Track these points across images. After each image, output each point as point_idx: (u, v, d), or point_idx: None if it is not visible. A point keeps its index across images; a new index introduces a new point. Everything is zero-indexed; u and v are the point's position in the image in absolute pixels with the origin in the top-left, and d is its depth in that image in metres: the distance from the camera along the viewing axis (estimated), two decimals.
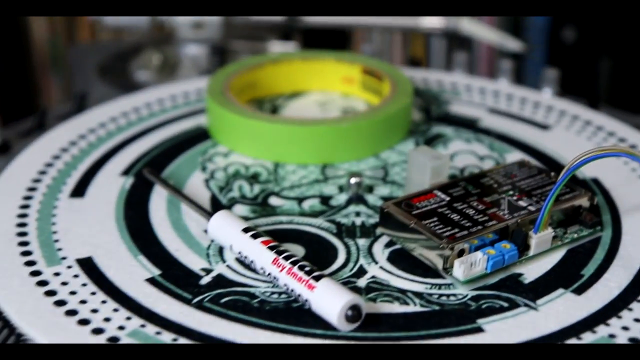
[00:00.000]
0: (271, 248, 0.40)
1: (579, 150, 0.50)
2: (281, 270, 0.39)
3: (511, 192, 0.43)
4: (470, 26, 0.67)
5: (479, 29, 0.67)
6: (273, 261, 0.39)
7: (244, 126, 0.49)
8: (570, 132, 0.53)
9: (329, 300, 0.37)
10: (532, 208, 0.42)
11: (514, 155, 0.50)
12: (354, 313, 0.36)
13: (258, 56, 0.57)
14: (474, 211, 0.42)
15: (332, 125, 0.49)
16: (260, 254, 0.40)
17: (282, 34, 0.68)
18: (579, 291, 0.39)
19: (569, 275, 0.40)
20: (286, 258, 0.39)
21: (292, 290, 0.38)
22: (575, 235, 0.43)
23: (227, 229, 0.41)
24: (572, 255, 0.42)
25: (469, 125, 0.54)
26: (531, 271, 0.41)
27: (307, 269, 0.38)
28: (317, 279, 0.37)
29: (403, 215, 0.41)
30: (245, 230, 0.41)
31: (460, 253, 0.40)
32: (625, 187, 0.47)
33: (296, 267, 0.38)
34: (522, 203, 0.42)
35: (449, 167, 0.46)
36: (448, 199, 0.43)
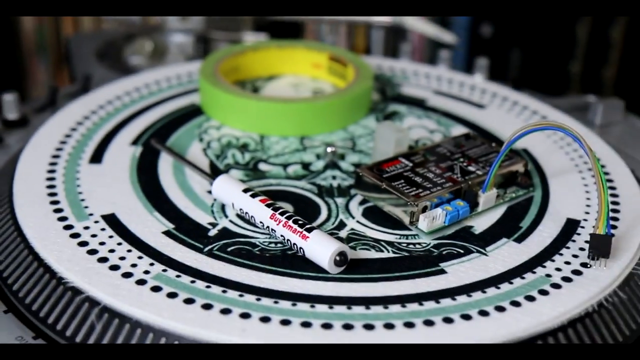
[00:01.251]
0: (268, 205, 0.41)
1: (511, 125, 0.52)
2: (278, 224, 0.40)
3: (462, 159, 0.45)
4: (412, 21, 0.68)
5: (420, 24, 0.68)
6: (271, 216, 0.40)
7: (234, 103, 0.50)
8: (502, 110, 0.55)
9: (320, 248, 0.38)
10: (479, 172, 0.44)
11: (458, 129, 0.52)
12: (341, 258, 0.38)
13: (240, 44, 0.57)
14: (432, 175, 0.43)
15: (308, 102, 0.50)
16: (259, 210, 0.41)
17: (254, 26, 0.68)
18: (519, 240, 0.41)
19: (510, 227, 0.42)
20: (282, 213, 0.40)
21: (288, 241, 0.39)
22: (513, 195, 0.44)
23: (229, 189, 0.42)
24: (511, 211, 0.44)
25: (418, 104, 0.55)
26: (480, 224, 0.42)
27: (300, 222, 0.39)
28: (309, 230, 0.39)
29: (375, 178, 0.43)
30: (245, 190, 0.42)
31: (424, 209, 0.41)
32: (549, 155, 0.49)
33: (291, 220, 0.39)
34: (471, 168, 0.44)
35: (409, 139, 0.48)
36: (411, 164, 0.44)
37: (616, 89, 0.94)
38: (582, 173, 0.47)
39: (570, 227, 0.42)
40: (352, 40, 0.96)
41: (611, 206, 0.44)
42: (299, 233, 0.39)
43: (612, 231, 0.41)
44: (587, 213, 0.43)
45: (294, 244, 0.39)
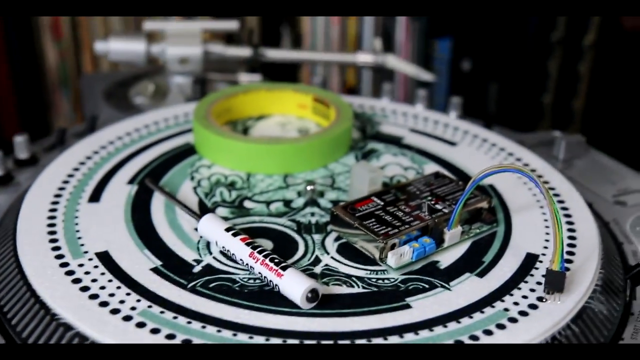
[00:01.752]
0: (248, 244, 0.40)
1: (480, 162, 0.52)
2: (256, 262, 0.39)
3: (430, 198, 0.44)
4: (393, 61, 0.68)
5: (400, 64, 0.68)
6: (250, 254, 0.40)
7: (223, 144, 0.50)
8: (472, 147, 0.54)
9: (293, 285, 0.37)
10: (446, 210, 0.43)
11: (430, 167, 0.51)
12: (313, 295, 0.37)
13: (232, 87, 0.57)
14: (402, 213, 0.43)
15: (291, 143, 0.50)
16: (239, 248, 0.40)
17: (249, 67, 0.68)
18: (481, 274, 0.41)
19: (473, 262, 0.42)
20: (260, 252, 0.39)
21: (265, 277, 0.39)
22: (478, 231, 0.44)
23: (213, 228, 0.42)
24: (475, 246, 0.43)
25: (395, 142, 0.55)
26: (446, 258, 0.42)
27: (276, 260, 0.39)
28: (284, 268, 0.38)
29: (348, 217, 0.42)
30: (227, 229, 0.41)
31: (392, 246, 0.41)
32: (513, 190, 0.48)
33: (267, 259, 0.39)
34: (438, 206, 0.43)
35: (382, 177, 0.47)
36: (382, 203, 0.43)
37: (584, 119, 0.93)
38: (544, 209, 0.47)
39: (530, 261, 0.42)
40: (344, 77, 0.96)
41: (568, 240, 0.43)
42: (274, 271, 0.38)
43: (568, 265, 0.41)
44: (546, 247, 0.43)
45: (270, 280, 0.38)
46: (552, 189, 0.49)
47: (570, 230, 0.44)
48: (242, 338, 0.35)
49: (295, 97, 0.57)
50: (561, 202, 0.47)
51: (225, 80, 0.67)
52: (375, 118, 0.58)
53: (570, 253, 0.42)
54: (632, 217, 0.49)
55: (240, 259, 0.40)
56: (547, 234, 0.44)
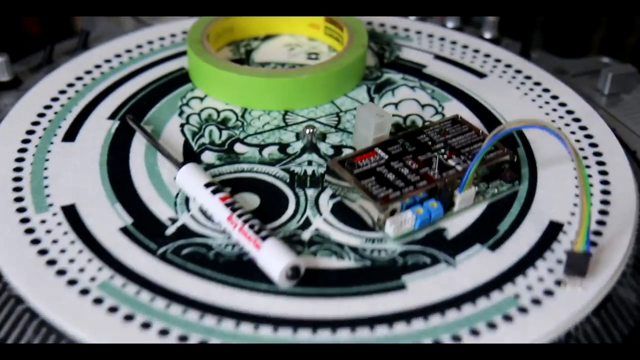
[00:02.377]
0: (227, 205, 0.35)
1: (510, 99, 0.45)
2: (234, 228, 0.34)
3: (442, 150, 0.38)
4: None
5: None
6: (228, 218, 0.35)
7: (217, 75, 0.44)
8: (503, 80, 0.47)
9: (272, 260, 0.33)
10: (459, 168, 0.37)
11: (452, 105, 0.45)
12: (293, 272, 0.33)
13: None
14: (408, 170, 0.37)
15: (292, 76, 0.43)
16: (217, 209, 0.35)
17: None
18: (494, 247, 0.35)
19: (486, 230, 0.36)
20: (239, 215, 0.34)
21: (242, 246, 0.34)
22: (496, 191, 0.38)
23: (192, 182, 0.37)
24: (491, 209, 0.37)
25: (416, 71, 0.48)
26: (454, 225, 0.36)
27: (256, 227, 0.34)
28: (264, 238, 0.33)
29: (346, 172, 0.37)
30: (207, 185, 0.36)
31: (392, 212, 0.35)
32: (544, 139, 0.42)
33: (247, 225, 0.34)
34: (451, 162, 0.37)
35: (391, 124, 0.41)
36: (386, 157, 0.38)
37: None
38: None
39: (552, 231, 0.36)
40: None
41: (599, 206, 0.37)
42: (252, 241, 0.33)
43: (595, 239, 0.35)
44: (573, 214, 0.37)
45: (248, 251, 0.34)
46: (590, 136, 0.42)
47: (604, 192, 0.38)
48: (209, 323, 0.31)
49: (305, 17, 0.50)
50: (598, 154, 0.41)
51: None
52: (397, 40, 0.51)
53: (601, 223, 0.36)
54: None
55: (218, 222, 0.35)
56: (577, 196, 0.38)
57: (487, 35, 0.55)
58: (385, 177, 0.36)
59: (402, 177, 0.36)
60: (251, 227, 0.34)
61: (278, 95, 0.43)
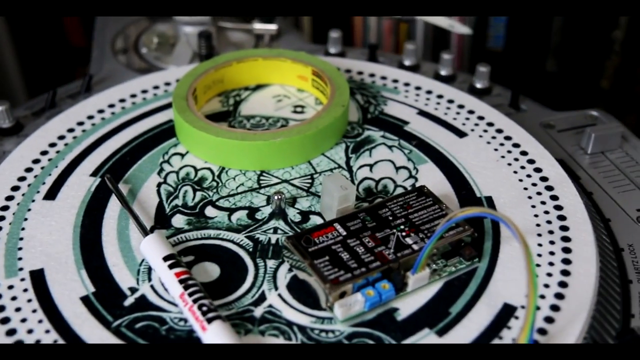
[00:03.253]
0: (181, 281, 0.35)
1: (484, 163, 0.44)
2: (185, 305, 0.34)
3: (402, 227, 0.37)
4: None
5: (434, 17, 0.58)
6: (180, 295, 0.34)
7: (195, 135, 0.43)
8: (483, 140, 0.46)
9: (215, 342, 0.32)
10: (415, 247, 0.36)
11: (427, 167, 0.44)
12: None
13: (224, 55, 0.50)
14: (363, 249, 0.36)
15: (266, 139, 0.43)
16: (172, 285, 0.35)
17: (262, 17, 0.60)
18: (442, 332, 0.34)
19: (437, 312, 0.35)
20: (190, 294, 0.34)
21: (191, 325, 0.34)
22: (454, 269, 0.37)
23: (152, 253, 0.37)
24: (447, 288, 0.36)
25: (397, 128, 0.47)
26: (407, 305, 0.35)
27: (204, 308, 0.33)
28: (210, 320, 0.33)
29: (298, 252, 0.36)
30: (165, 258, 0.36)
31: (342, 294, 0.34)
32: (515, 209, 0.41)
33: (196, 305, 0.34)
34: (409, 240, 0.36)
35: (355, 195, 0.40)
36: (345, 233, 0.37)
37: None
38: (542, 237, 0.39)
39: (505, 316, 0.35)
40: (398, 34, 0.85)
41: (557, 288, 0.36)
42: (199, 322, 0.33)
43: (547, 328, 0.34)
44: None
45: (195, 330, 0.33)
46: (560, 207, 0.40)
47: (563, 273, 0.37)
48: None
49: (294, 68, 0.50)
50: (565, 228, 0.39)
51: (239, 28, 0.59)
52: (385, 92, 0.50)
53: (555, 308, 0.35)
54: None
55: (173, 296, 0.35)
56: (537, 276, 0.37)
57: (479, 84, 0.54)
58: (339, 257, 0.35)
59: (357, 256, 0.35)
60: (200, 307, 0.33)
61: (253, 157, 0.43)
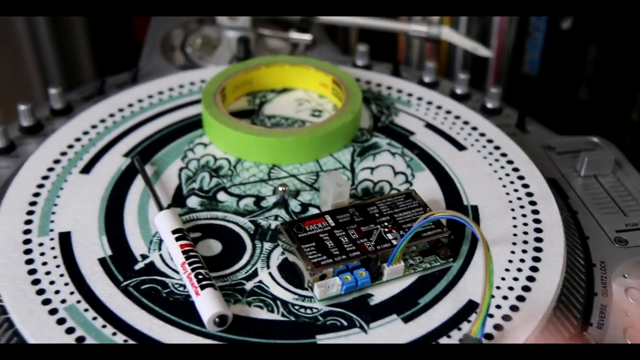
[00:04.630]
0: (184, 252, 0.39)
1: (478, 175, 0.47)
2: (184, 273, 0.38)
3: (386, 224, 0.41)
4: (449, 33, 0.61)
5: (456, 36, 0.62)
6: (181, 264, 0.39)
7: (217, 127, 0.48)
8: (480, 155, 0.49)
9: (205, 306, 0.37)
10: (394, 242, 0.40)
11: (423, 174, 0.47)
12: (220, 320, 0.36)
13: (255, 59, 0.54)
14: (347, 240, 0.40)
15: (278, 137, 0.47)
16: (176, 254, 0.40)
17: (300, 26, 0.64)
18: (407, 319, 0.37)
19: (407, 302, 0.38)
20: (190, 264, 0.38)
21: (188, 290, 0.38)
22: (429, 265, 0.40)
23: (164, 227, 0.41)
24: (420, 282, 0.40)
25: (403, 138, 0.51)
26: (381, 293, 0.39)
27: (200, 276, 0.38)
28: (203, 287, 0.37)
29: (289, 237, 0.40)
30: (174, 231, 0.41)
31: (323, 277, 0.38)
32: (497, 219, 0.44)
33: (193, 273, 0.38)
34: (389, 236, 0.40)
35: (349, 193, 0.44)
36: (333, 224, 0.41)
37: None
38: (516, 245, 0.42)
39: (467, 310, 0.38)
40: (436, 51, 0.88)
41: (520, 292, 0.39)
42: (194, 288, 0.37)
43: (502, 323, 0.37)
44: (493, 297, 0.39)
45: (191, 295, 0.38)
46: (539, 221, 0.43)
47: (529, 279, 0.40)
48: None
49: (316, 75, 0.54)
50: (539, 239, 0.42)
51: (276, 36, 0.64)
52: (398, 104, 0.54)
53: (514, 308, 0.38)
54: (624, 262, 0.43)
55: (176, 264, 0.40)
56: (503, 279, 0.40)
57: (490, 105, 0.57)
58: (325, 244, 0.39)
59: (340, 245, 0.39)
60: (196, 275, 0.38)
61: (266, 152, 0.47)
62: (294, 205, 0.45)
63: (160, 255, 0.41)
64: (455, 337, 0.36)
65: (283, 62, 0.54)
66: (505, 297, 0.39)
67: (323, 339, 0.36)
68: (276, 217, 0.44)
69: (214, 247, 0.41)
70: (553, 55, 0.86)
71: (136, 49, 1.11)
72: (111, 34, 1.18)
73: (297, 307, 0.38)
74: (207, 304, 0.36)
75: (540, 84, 0.88)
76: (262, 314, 0.38)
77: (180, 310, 0.37)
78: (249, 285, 0.39)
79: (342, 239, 0.40)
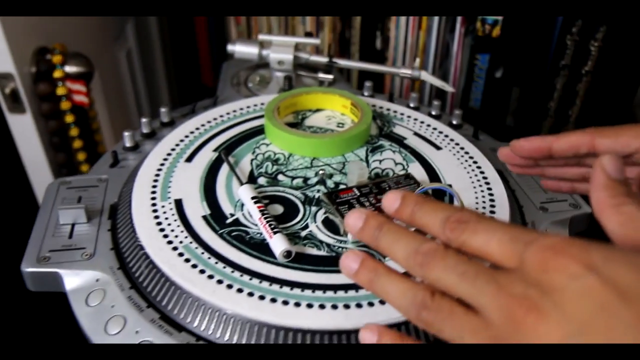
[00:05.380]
0: (260, 211, 0.41)
1: (450, 165, 0.49)
2: (261, 224, 0.40)
3: None
4: (426, 75, 0.63)
5: (430, 77, 0.63)
6: (259, 218, 0.40)
7: (276, 132, 0.50)
8: (451, 153, 0.51)
9: (277, 245, 0.38)
10: None
11: (414, 165, 0.49)
12: (287, 254, 0.38)
13: (299, 89, 0.56)
14: (368, 204, 0.41)
15: (317, 138, 0.49)
16: (254, 212, 0.41)
17: (326, 69, 0.66)
18: None
19: None
20: (265, 218, 0.40)
21: (264, 235, 0.40)
22: None
23: (244, 195, 0.43)
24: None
25: (399, 141, 0.52)
26: None
27: (272, 226, 0.39)
28: (275, 232, 0.39)
29: (329, 202, 0.42)
30: (252, 198, 0.42)
31: None
32: (464, 192, 0.45)
33: (267, 224, 0.40)
34: None
35: (368, 173, 0.45)
36: (358, 194, 0.42)
37: (577, 123, 0.84)
38: (477, 210, 0.43)
39: None
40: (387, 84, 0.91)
41: None
42: (268, 233, 0.39)
43: None
44: None
45: (266, 239, 0.39)
46: (492, 194, 0.45)
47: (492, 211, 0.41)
48: (236, 276, 0.37)
49: (340, 100, 0.56)
50: (493, 205, 0.44)
51: (310, 76, 0.66)
52: (394, 120, 0.56)
53: None
54: (546, 222, 0.45)
55: (254, 219, 0.41)
56: None
57: (454, 121, 0.58)
58: (354, 206, 0.41)
59: (364, 207, 0.41)
60: (269, 224, 0.39)
61: (309, 148, 0.49)
62: (330, 183, 0.46)
63: (243, 214, 0.42)
64: None
65: (317, 91, 0.56)
66: None
67: None
68: (318, 191, 0.45)
69: (278, 209, 0.43)
70: (490, 95, 0.88)
71: (203, 92, 1.12)
72: (184, 78, 1.19)
73: (336, 247, 0.40)
74: (279, 243, 0.38)
75: (481, 115, 0.90)
76: (314, 252, 0.39)
77: (258, 248, 0.39)
78: (303, 233, 0.41)
79: (365, 203, 0.41)
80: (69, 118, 0.73)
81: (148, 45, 1.12)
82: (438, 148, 0.51)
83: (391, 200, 0.28)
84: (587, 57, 0.78)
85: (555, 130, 0.86)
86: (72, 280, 0.39)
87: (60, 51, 0.71)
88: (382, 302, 0.35)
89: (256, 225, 0.41)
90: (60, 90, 0.71)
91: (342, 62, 0.64)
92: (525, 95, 0.86)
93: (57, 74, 0.71)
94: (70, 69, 0.72)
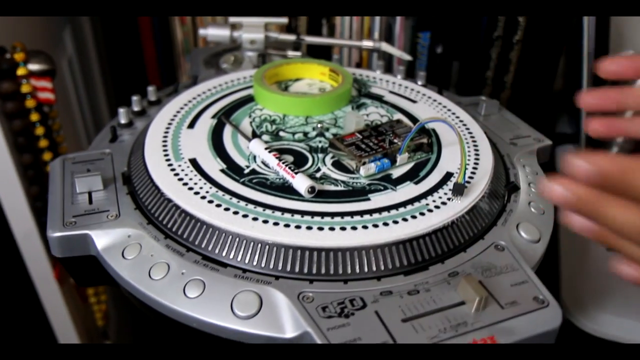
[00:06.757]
0: (277, 158, 0.43)
1: (429, 114, 0.53)
2: (280, 168, 0.42)
3: (391, 134, 0.46)
4: (386, 46, 0.68)
5: (390, 48, 0.68)
6: (277, 164, 0.42)
7: (269, 96, 0.52)
8: (427, 104, 0.55)
9: (300, 183, 0.40)
10: (399, 143, 0.45)
11: (397, 116, 0.52)
12: (312, 189, 0.40)
13: (279, 60, 0.58)
14: (372, 143, 0.45)
15: (310, 97, 0.51)
16: (271, 160, 0.43)
17: (294, 47, 0.69)
18: (417, 183, 0.42)
19: (413, 175, 0.43)
20: (283, 163, 0.42)
21: (284, 178, 0.42)
22: (419, 156, 0.45)
23: (257, 147, 0.45)
24: (416, 165, 0.45)
25: (378, 99, 0.56)
26: (397, 172, 0.44)
27: (291, 167, 0.41)
28: (296, 173, 0.41)
29: (339, 144, 0.44)
30: (266, 148, 0.44)
31: (364, 163, 0.43)
32: (447, 134, 0.49)
33: (287, 167, 0.42)
34: (395, 140, 0.45)
35: (364, 121, 0.49)
36: (361, 137, 0.45)
37: (512, 88, 0.92)
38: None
39: (447, 176, 0.44)
40: (360, 56, 0.95)
41: (473, 164, 0.45)
42: (290, 174, 0.41)
43: (469, 179, 0.43)
44: (458, 169, 0.44)
45: (287, 180, 0.41)
46: (471, 132, 0.50)
47: (476, 158, 0.46)
48: (268, 212, 0.39)
49: (318, 68, 0.58)
50: (474, 140, 0.48)
51: (279, 54, 0.68)
52: (369, 83, 0.59)
53: (473, 172, 0.44)
54: (518, 153, 0.50)
55: (272, 167, 0.43)
56: (467, 152, 0.46)
57: (420, 82, 0.63)
58: (360, 146, 0.44)
59: (369, 146, 0.44)
60: (289, 167, 0.41)
61: (302, 108, 0.51)
62: (328, 135, 0.49)
63: (258, 165, 0.44)
64: (445, 189, 0.42)
65: (296, 62, 0.59)
66: (467, 167, 0.44)
67: (373, 195, 0.41)
68: (320, 141, 0.48)
69: (288, 158, 0.45)
70: (432, 69, 0.94)
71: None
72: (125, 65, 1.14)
73: (351, 183, 0.42)
74: (302, 181, 0.40)
75: (425, 86, 0.96)
76: (332, 188, 0.42)
77: (282, 190, 0.41)
78: (318, 175, 0.43)
79: (369, 143, 0.44)
80: (34, 117, 0.71)
81: (86, 52, 1.09)
82: (414, 102, 0.56)
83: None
84: (516, 27, 0.86)
85: (494, 97, 0.94)
86: (103, 240, 0.38)
87: (22, 49, 0.69)
88: (404, 220, 0.38)
89: (273, 173, 0.43)
90: (25, 88, 0.68)
91: (309, 39, 0.67)
92: (465, 68, 0.93)
93: (20, 71, 0.68)
94: (33, 66, 0.70)
